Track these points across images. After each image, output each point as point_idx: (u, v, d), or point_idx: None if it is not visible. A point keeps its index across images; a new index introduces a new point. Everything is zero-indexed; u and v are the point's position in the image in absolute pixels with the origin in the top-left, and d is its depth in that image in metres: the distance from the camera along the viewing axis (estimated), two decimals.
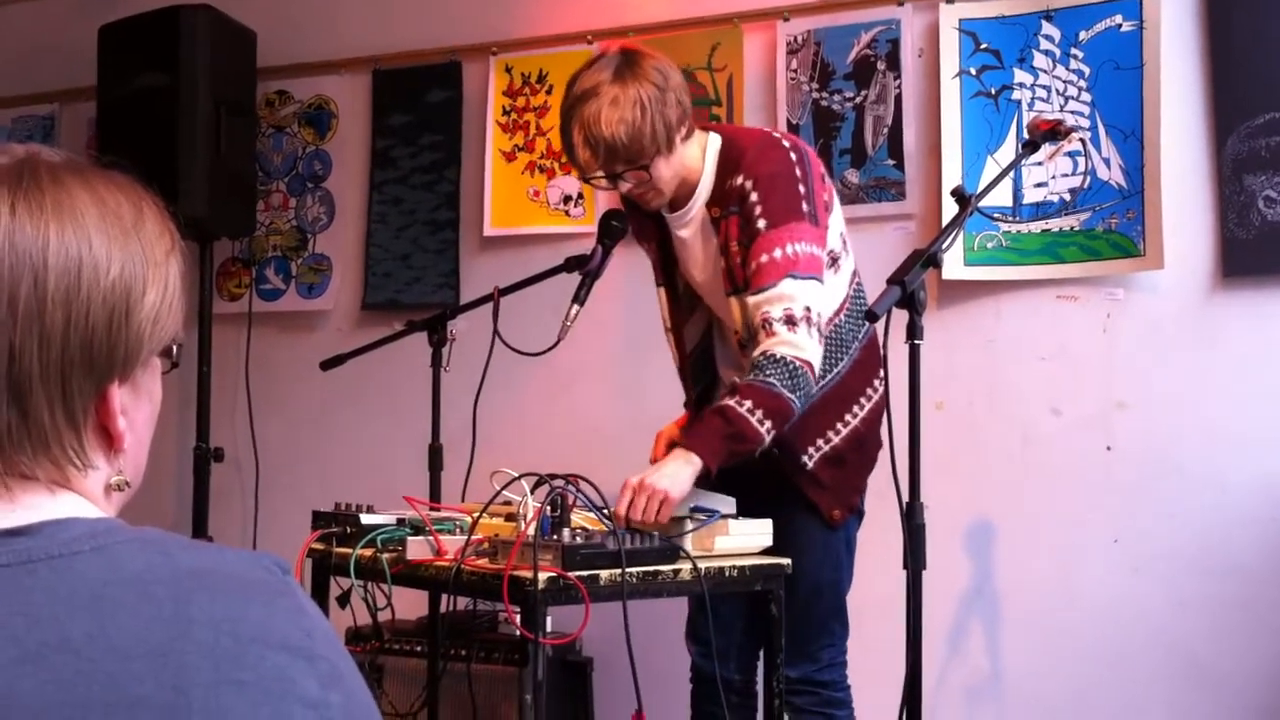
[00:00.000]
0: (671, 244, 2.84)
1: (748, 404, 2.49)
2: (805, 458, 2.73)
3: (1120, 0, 3.60)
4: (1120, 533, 3.58)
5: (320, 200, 4.74)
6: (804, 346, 2.54)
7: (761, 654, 2.83)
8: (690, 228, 2.78)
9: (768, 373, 2.51)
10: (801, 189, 2.64)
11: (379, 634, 3.51)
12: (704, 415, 2.62)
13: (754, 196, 2.62)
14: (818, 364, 2.58)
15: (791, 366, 2.52)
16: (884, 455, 2.38)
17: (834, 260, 2.74)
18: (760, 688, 2.95)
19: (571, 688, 3.76)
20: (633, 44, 2.76)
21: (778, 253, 2.58)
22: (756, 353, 2.56)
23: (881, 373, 2.81)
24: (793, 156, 2.66)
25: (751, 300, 2.60)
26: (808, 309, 2.56)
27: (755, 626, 2.89)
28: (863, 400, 2.79)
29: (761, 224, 2.60)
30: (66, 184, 0.95)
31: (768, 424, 2.50)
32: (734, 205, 2.65)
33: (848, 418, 2.76)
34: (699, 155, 2.73)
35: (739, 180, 2.65)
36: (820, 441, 2.74)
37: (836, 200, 2.81)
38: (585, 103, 2.58)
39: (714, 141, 2.75)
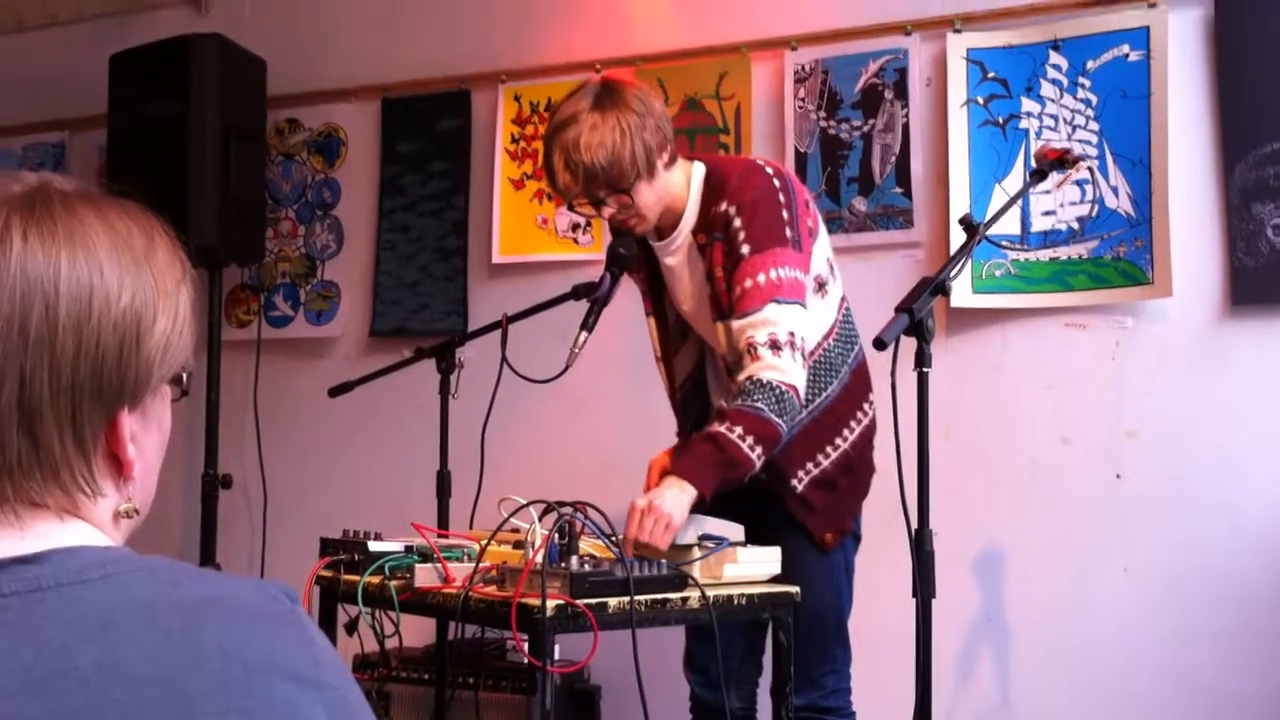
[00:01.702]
0: (660, 273, 2.86)
1: (738, 430, 2.49)
2: (795, 481, 2.73)
3: (1128, 30, 3.61)
4: (1130, 561, 3.56)
5: (329, 228, 4.75)
6: (789, 371, 2.55)
7: (763, 681, 2.82)
8: (677, 256, 2.80)
9: (755, 398, 2.51)
10: (785, 215, 2.66)
11: (386, 661, 3.50)
12: (693, 442, 2.60)
13: (737, 222, 2.64)
14: (803, 388, 2.59)
15: (778, 391, 2.53)
16: (892, 483, 2.37)
17: (821, 285, 2.75)
18: (760, 715, 2.95)
19: (579, 716, 3.74)
20: (615, 75, 2.80)
21: (761, 278, 2.59)
22: (742, 377, 2.56)
23: (871, 397, 2.84)
24: (776, 183, 2.68)
25: (736, 325, 2.61)
26: (791, 334, 2.57)
27: (754, 653, 2.89)
28: (852, 424, 2.80)
29: (745, 250, 2.62)
30: (79, 212, 0.95)
31: (758, 450, 2.50)
32: (718, 231, 2.68)
33: (837, 441, 2.77)
34: (684, 183, 2.76)
35: (723, 206, 2.67)
36: (810, 465, 2.75)
37: (823, 227, 2.83)
38: (566, 129, 2.61)
39: (698, 170, 2.77)
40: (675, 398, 2.96)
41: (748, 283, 2.60)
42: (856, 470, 2.82)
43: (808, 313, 2.65)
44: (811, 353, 2.69)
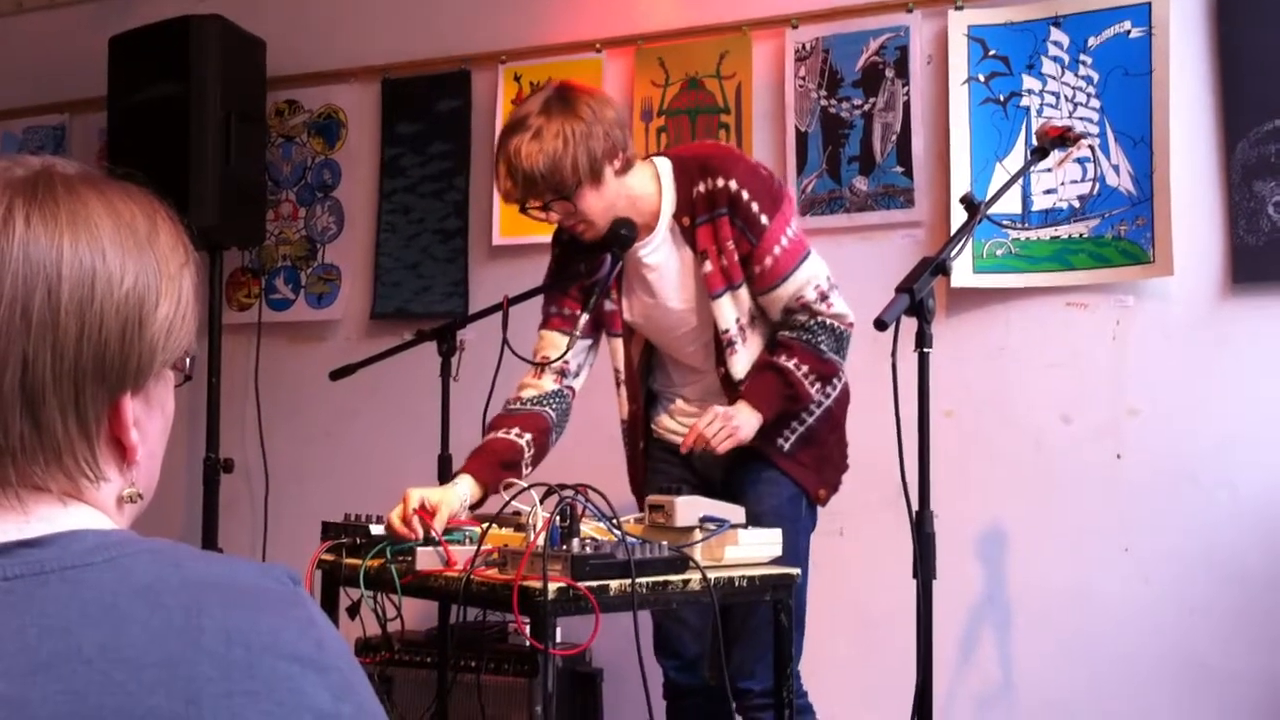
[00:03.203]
0: (627, 284, 2.88)
1: (804, 369, 2.71)
2: (781, 440, 2.81)
3: (1129, 6, 3.60)
4: (1131, 540, 3.57)
5: (329, 210, 4.74)
6: (843, 311, 2.77)
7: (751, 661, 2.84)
8: (661, 251, 2.83)
9: (819, 336, 2.74)
10: (764, 172, 2.81)
11: (389, 645, 3.51)
12: (759, 373, 2.75)
13: (745, 194, 2.71)
14: (853, 320, 2.77)
15: (837, 331, 2.75)
16: (893, 464, 2.37)
17: None
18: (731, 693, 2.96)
19: (581, 698, 3.75)
20: (575, 81, 2.83)
21: (784, 240, 2.74)
22: (803, 316, 2.75)
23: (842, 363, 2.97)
24: (744, 154, 2.88)
25: (785, 291, 2.74)
26: (828, 278, 2.78)
27: (727, 632, 2.91)
28: (828, 390, 2.87)
29: (765, 220, 2.72)
30: (81, 195, 0.95)
31: (817, 386, 2.75)
32: (722, 207, 2.73)
33: (820, 399, 2.84)
34: (648, 181, 2.80)
35: (719, 183, 2.72)
36: (795, 423, 2.82)
37: None
38: (513, 134, 2.65)
39: (663, 164, 2.83)
40: (637, 421, 3.02)
41: (776, 250, 2.72)
42: (840, 427, 2.92)
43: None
44: None
